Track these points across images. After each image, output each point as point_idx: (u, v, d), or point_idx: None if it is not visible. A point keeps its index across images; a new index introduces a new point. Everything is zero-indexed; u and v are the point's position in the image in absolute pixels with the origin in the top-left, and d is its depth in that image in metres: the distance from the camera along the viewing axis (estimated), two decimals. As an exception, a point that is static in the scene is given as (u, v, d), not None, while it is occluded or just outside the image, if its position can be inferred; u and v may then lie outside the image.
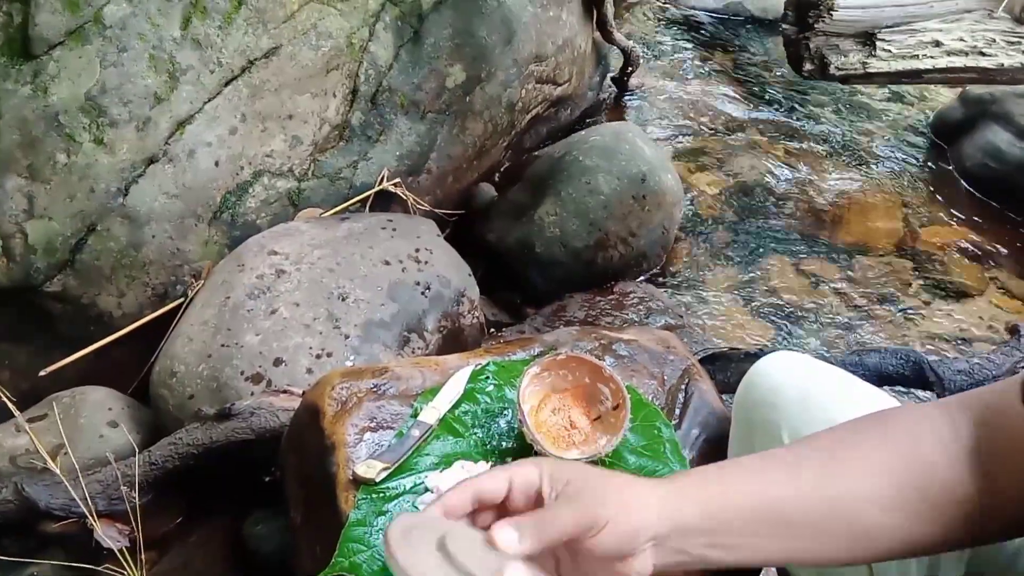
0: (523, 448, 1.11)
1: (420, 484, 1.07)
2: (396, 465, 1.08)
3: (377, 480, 1.06)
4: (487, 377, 1.23)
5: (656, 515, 0.69)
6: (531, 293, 2.21)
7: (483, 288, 1.99)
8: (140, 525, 1.48)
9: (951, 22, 2.40)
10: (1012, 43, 2.43)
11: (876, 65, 2.40)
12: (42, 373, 1.70)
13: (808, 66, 2.42)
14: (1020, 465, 0.70)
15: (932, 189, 2.74)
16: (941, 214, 2.64)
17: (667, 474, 1.11)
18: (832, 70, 2.39)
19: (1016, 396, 0.71)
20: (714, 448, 1.16)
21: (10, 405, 1.60)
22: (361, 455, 1.10)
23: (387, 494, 1.05)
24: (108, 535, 1.49)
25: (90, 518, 1.48)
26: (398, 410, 1.17)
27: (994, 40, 2.39)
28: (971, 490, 0.72)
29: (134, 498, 1.50)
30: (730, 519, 0.72)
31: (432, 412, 1.15)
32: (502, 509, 0.70)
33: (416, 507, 1.04)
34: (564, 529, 0.66)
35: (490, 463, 1.10)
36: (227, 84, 1.81)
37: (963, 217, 2.63)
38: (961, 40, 2.39)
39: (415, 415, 1.16)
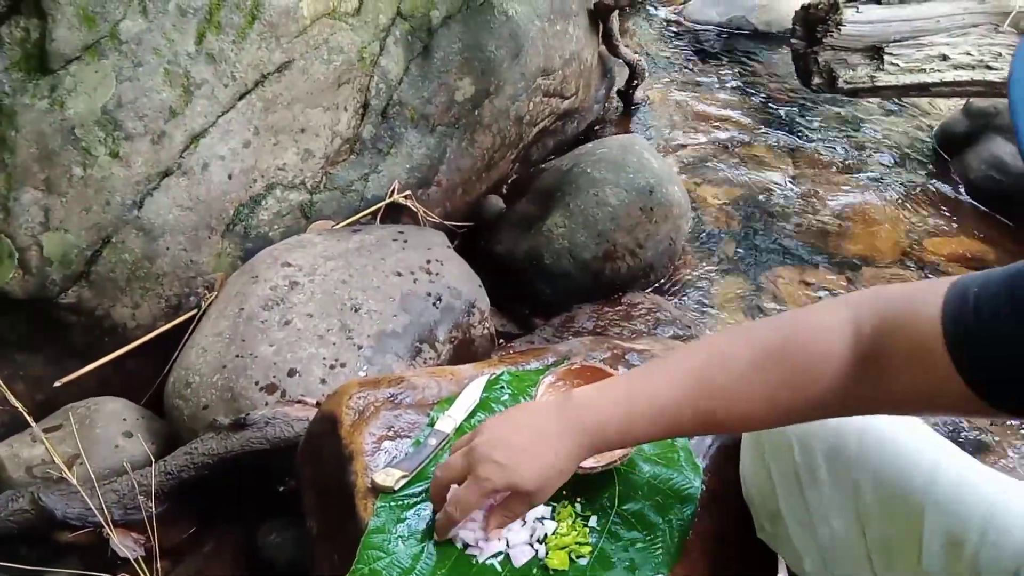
0: (539, 456, 1.12)
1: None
2: (414, 473, 1.09)
3: (396, 488, 1.07)
4: (502, 387, 1.24)
5: (574, 468, 0.95)
6: (539, 304, 2.23)
7: (492, 299, 2.00)
8: (156, 534, 1.49)
9: (958, 36, 2.42)
10: (1017, 57, 2.45)
11: (884, 79, 2.43)
12: (57, 384, 1.71)
13: (817, 80, 2.45)
14: (909, 367, 0.78)
15: (937, 201, 2.76)
16: (946, 226, 2.65)
17: (681, 481, 1.12)
18: (841, 83, 2.42)
19: (936, 310, 0.76)
20: (727, 456, 1.17)
21: (26, 415, 1.61)
22: (379, 463, 1.11)
23: (406, 502, 1.06)
24: (124, 544, 1.50)
25: (106, 527, 1.48)
26: (415, 419, 1.18)
27: (1000, 54, 2.42)
28: (854, 386, 0.82)
29: (150, 507, 1.51)
30: (624, 444, 0.98)
31: (448, 421, 1.17)
32: None
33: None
34: (518, 515, 0.99)
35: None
36: (241, 98, 1.83)
37: (968, 229, 2.64)
38: (968, 54, 2.42)
39: (432, 424, 1.17)
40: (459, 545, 1.02)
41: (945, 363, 0.75)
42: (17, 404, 1.59)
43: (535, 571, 1.01)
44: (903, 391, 0.80)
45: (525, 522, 1.05)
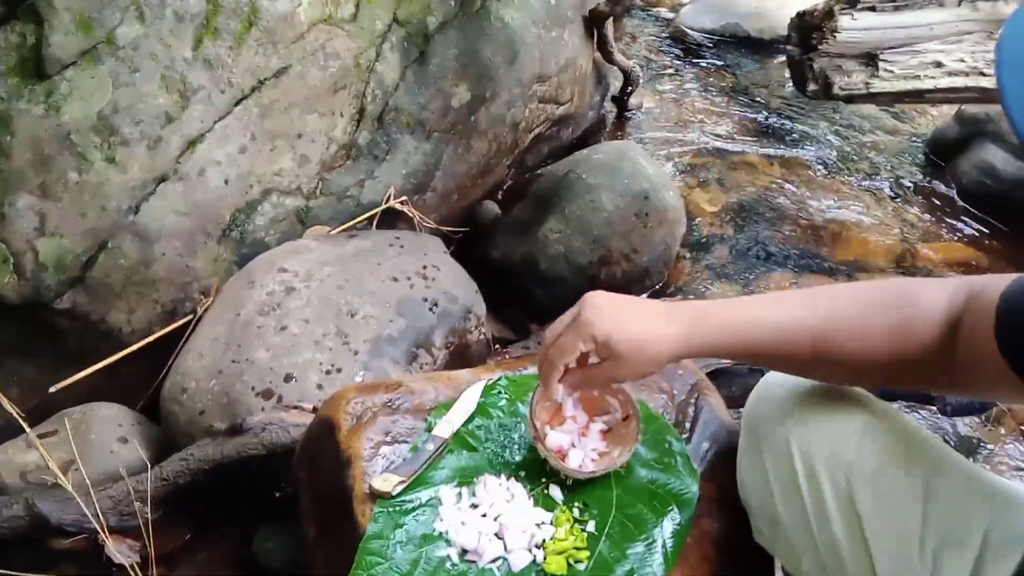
0: (537, 461, 1.13)
1: (435, 497, 1.08)
2: (412, 478, 1.09)
3: (394, 493, 1.07)
4: (499, 391, 1.24)
5: (673, 355, 0.96)
6: (535, 309, 2.22)
7: (488, 304, 2.00)
8: (151, 540, 1.49)
9: (952, 43, 2.44)
10: (1010, 64, 2.47)
11: (879, 85, 2.44)
12: (52, 389, 1.70)
13: (812, 86, 2.46)
14: (976, 338, 0.83)
15: (930, 206, 2.77)
16: (939, 231, 2.67)
17: (679, 486, 1.13)
18: (836, 90, 2.44)
19: (994, 297, 0.82)
20: (725, 461, 1.17)
21: (20, 421, 1.61)
22: (377, 469, 1.12)
23: (404, 507, 1.07)
24: (119, 551, 1.49)
25: (101, 534, 1.48)
26: (412, 424, 1.19)
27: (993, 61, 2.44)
28: (938, 355, 0.87)
29: (145, 513, 1.50)
30: (730, 351, 0.97)
31: (446, 426, 1.17)
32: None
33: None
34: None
35: (503, 476, 1.11)
36: (237, 103, 1.83)
37: (961, 234, 2.66)
38: (962, 61, 2.43)
39: (429, 429, 1.17)
40: (457, 550, 1.03)
41: (994, 347, 0.80)
42: (12, 409, 1.59)
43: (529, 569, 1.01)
44: (967, 367, 0.85)
45: (524, 529, 1.05)
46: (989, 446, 1.96)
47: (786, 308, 0.93)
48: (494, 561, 1.02)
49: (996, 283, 0.84)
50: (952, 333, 0.86)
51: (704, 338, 0.94)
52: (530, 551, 1.03)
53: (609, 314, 0.96)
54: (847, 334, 0.90)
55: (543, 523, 1.06)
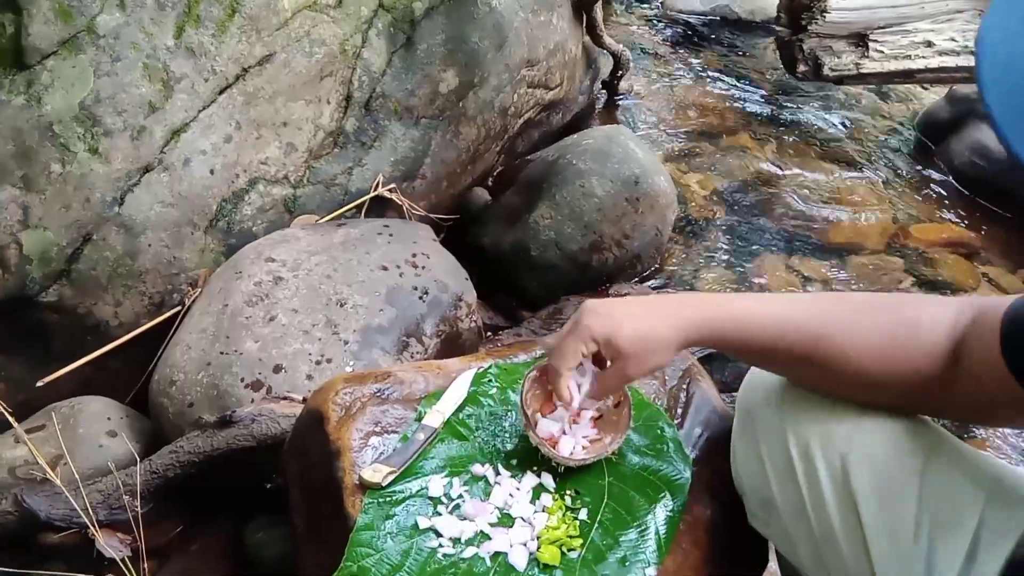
0: (528, 450, 1.12)
1: (425, 488, 1.07)
2: (402, 469, 1.08)
3: (383, 484, 1.06)
4: (490, 380, 1.23)
5: (679, 341, 0.97)
6: (526, 296, 2.22)
7: (478, 292, 1.99)
8: (142, 534, 1.48)
9: (942, 23, 2.43)
10: (1001, 43, 2.47)
11: (869, 66, 2.43)
12: (39, 384, 1.69)
13: (802, 67, 2.45)
14: (982, 354, 0.82)
15: (921, 187, 2.77)
16: (931, 212, 2.66)
17: (671, 472, 1.12)
18: (826, 71, 2.43)
19: (997, 316, 0.81)
20: (717, 446, 1.17)
21: (8, 416, 1.59)
22: (366, 459, 1.10)
23: (394, 498, 1.06)
24: (109, 545, 1.48)
25: (91, 528, 1.47)
26: (402, 414, 1.17)
27: (984, 40, 2.43)
28: (940, 369, 0.86)
29: (135, 507, 1.49)
30: (735, 340, 0.97)
31: (436, 416, 1.16)
32: None
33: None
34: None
35: (490, 465, 1.10)
36: (221, 92, 1.81)
37: (952, 214, 2.65)
38: (952, 40, 2.43)
39: (419, 419, 1.16)
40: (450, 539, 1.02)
41: (1001, 367, 0.79)
42: (-1, 404, 1.58)
43: (526, 565, 1.00)
44: (972, 392, 0.84)
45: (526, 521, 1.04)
46: (988, 430, 1.96)
47: (791, 304, 0.94)
48: (486, 551, 1.01)
49: (1004, 300, 0.83)
50: (955, 349, 0.85)
51: (713, 324, 0.95)
52: (524, 544, 1.02)
53: (606, 313, 0.97)
54: (848, 334, 0.90)
55: (535, 511, 1.05)
